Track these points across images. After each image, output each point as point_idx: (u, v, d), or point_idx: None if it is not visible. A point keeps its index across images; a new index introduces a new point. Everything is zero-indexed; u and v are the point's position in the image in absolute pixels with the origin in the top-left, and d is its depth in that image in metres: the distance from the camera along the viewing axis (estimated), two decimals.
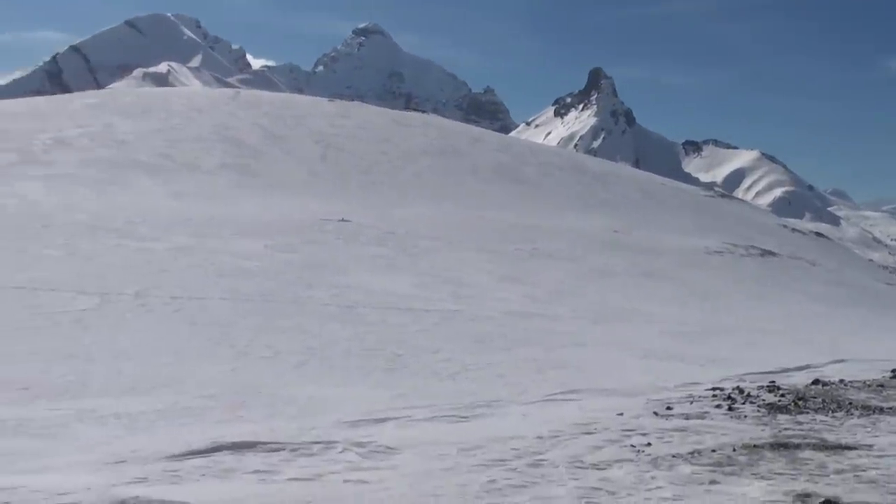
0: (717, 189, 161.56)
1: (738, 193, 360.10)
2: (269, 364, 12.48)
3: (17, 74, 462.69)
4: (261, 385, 11.22)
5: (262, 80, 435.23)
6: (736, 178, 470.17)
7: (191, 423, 9.26)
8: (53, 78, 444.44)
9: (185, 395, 10.43)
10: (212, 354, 12.77)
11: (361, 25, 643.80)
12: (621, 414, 9.12)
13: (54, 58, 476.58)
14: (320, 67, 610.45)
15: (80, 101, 52.31)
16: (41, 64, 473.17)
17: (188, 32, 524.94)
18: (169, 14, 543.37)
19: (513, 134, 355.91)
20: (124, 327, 14.08)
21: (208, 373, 11.70)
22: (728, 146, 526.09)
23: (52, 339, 13.09)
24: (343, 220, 28.33)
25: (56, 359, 11.97)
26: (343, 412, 9.48)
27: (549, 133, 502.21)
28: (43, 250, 20.50)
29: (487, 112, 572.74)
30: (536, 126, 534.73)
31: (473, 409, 9.55)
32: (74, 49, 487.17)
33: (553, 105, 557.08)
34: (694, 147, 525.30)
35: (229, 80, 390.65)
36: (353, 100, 76.01)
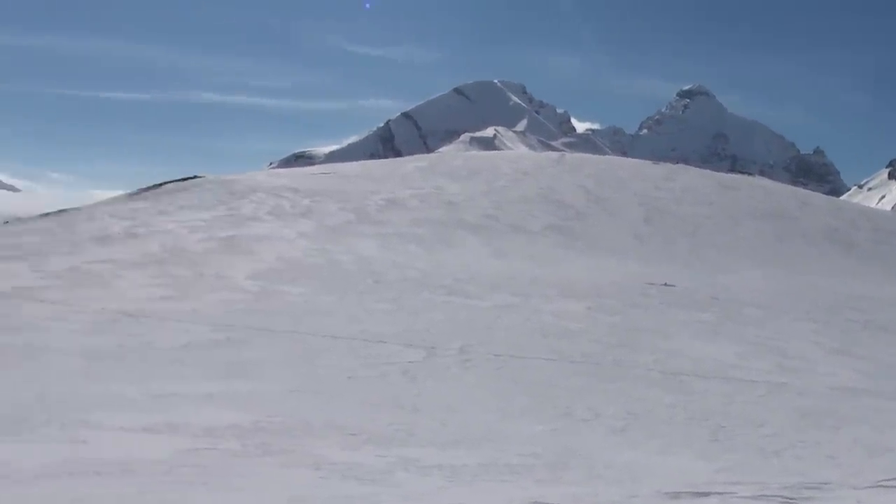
0: None
1: None
2: (590, 426, 12.38)
3: (353, 139, 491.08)
4: (581, 447, 11.15)
5: (587, 143, 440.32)
6: None
7: (512, 480, 9.31)
8: (386, 142, 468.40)
9: (507, 452, 10.51)
10: (534, 413, 12.83)
11: (686, 87, 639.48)
12: None
13: (387, 124, 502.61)
14: (644, 130, 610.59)
15: (411, 164, 54.65)
16: (375, 129, 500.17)
17: (514, 98, 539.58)
18: (496, 80, 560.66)
19: (844, 197, 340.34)
20: (449, 381, 14.43)
21: (530, 431, 11.76)
22: None
23: (380, 389, 13.60)
24: (667, 284, 27.91)
25: (384, 407, 12.42)
26: (663, 482, 9.24)
27: (883, 196, 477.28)
28: (374, 304, 21.44)
29: (816, 174, 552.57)
30: (869, 189, 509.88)
31: (801, 490, 9.04)
32: (406, 115, 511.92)
33: (887, 167, 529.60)
34: None
35: (554, 143, 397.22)
36: (677, 162, 75.10)
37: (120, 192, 49.87)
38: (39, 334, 16.55)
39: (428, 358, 15.96)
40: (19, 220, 44.15)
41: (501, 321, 20.32)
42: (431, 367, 15.34)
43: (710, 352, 19.28)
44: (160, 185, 46.07)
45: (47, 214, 42.37)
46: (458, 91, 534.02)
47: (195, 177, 47.78)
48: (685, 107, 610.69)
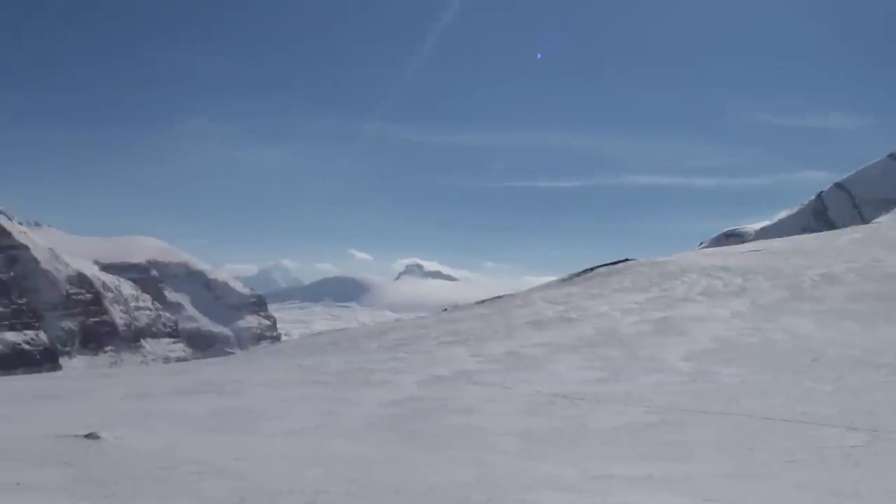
0: None
1: None
2: None
3: (783, 214, 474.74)
4: None
5: None
6: None
7: None
8: (819, 215, 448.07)
9: None
10: None
11: None
12: None
13: (819, 195, 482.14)
14: None
15: (845, 236, 52.58)
16: (806, 202, 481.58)
17: None
18: None
19: None
20: (894, 466, 13.70)
21: None
22: None
23: (819, 473, 13.16)
24: None
25: (823, 493, 12.01)
26: None
27: None
28: (813, 384, 20.75)
29: None
30: None
31: None
32: (838, 186, 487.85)
33: None
34: None
35: None
36: None
37: (552, 278, 51.89)
38: (478, 416, 17.57)
39: (871, 442, 15.23)
40: (458, 307, 47.13)
41: None
42: (875, 451, 14.63)
43: None
44: (592, 269, 47.52)
45: (484, 301, 44.95)
46: (893, 157, 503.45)
47: (626, 260, 48.86)
48: None
